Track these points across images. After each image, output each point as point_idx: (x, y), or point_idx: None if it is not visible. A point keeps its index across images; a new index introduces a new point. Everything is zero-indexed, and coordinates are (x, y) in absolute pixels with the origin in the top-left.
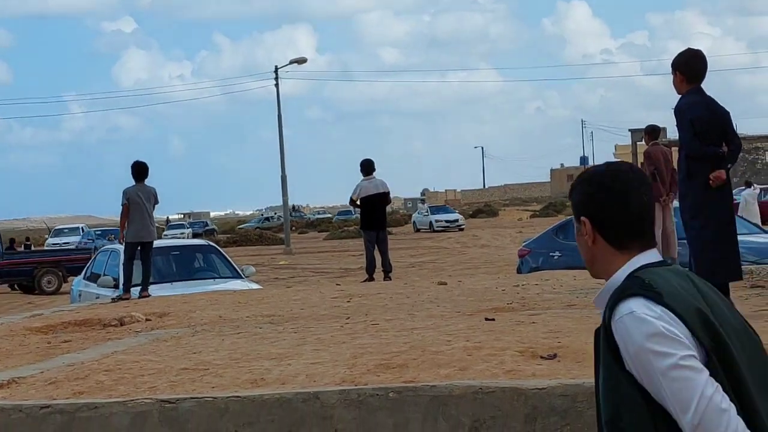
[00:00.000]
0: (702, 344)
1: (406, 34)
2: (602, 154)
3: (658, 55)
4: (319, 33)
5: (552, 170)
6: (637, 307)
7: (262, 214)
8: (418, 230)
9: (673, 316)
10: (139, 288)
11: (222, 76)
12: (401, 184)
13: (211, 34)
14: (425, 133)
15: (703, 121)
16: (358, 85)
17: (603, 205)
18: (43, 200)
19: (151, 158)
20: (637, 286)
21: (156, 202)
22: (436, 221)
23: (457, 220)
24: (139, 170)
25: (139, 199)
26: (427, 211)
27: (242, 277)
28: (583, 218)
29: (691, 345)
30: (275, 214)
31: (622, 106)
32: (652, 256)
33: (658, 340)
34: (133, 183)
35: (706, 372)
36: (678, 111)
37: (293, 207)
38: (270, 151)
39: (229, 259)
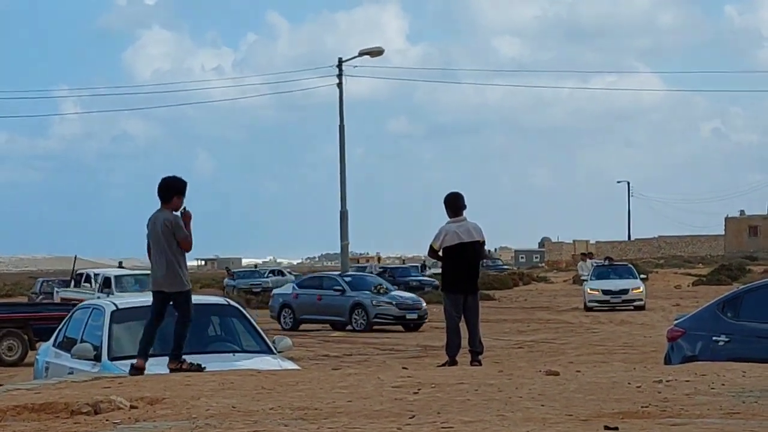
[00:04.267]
0: None
1: (535, 20)
2: None
3: None
4: (412, 15)
5: (728, 219)
6: None
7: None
8: (590, 309)
9: None
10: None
11: (275, 70)
12: (512, 231)
13: (263, 12)
14: (550, 158)
15: None
16: (464, 88)
17: None
18: (16, 234)
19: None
20: None
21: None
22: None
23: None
24: (165, 188)
25: (155, 229)
26: (591, 273)
27: (273, 352)
28: None
29: None
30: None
31: None
32: None
33: None
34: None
35: None
36: None
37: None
38: (333, 175)
39: (256, 325)
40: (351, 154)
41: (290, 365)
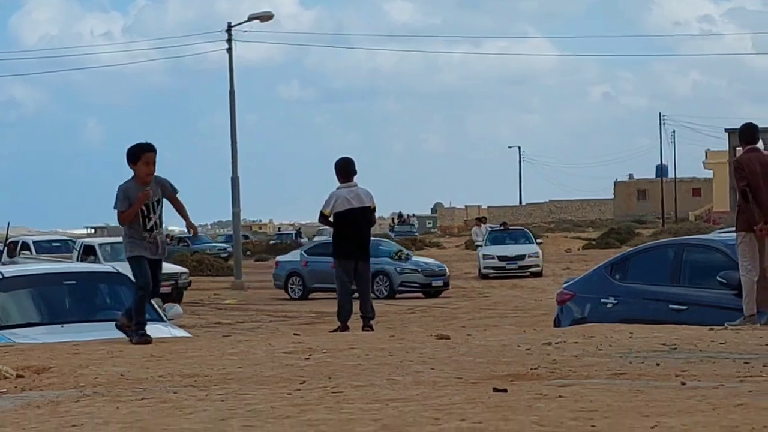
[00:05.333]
0: None
1: None
2: (688, 163)
3: None
4: None
5: (617, 183)
6: None
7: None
8: (485, 276)
9: None
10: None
11: (165, 36)
12: (405, 197)
13: None
14: (443, 124)
15: None
16: (356, 53)
17: None
18: None
19: (57, 148)
20: None
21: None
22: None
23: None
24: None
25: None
26: (485, 238)
27: (163, 320)
28: None
29: None
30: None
31: (721, 95)
32: None
33: None
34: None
35: None
36: None
37: (400, 216)
38: (224, 142)
39: None
40: (243, 120)
41: (181, 333)
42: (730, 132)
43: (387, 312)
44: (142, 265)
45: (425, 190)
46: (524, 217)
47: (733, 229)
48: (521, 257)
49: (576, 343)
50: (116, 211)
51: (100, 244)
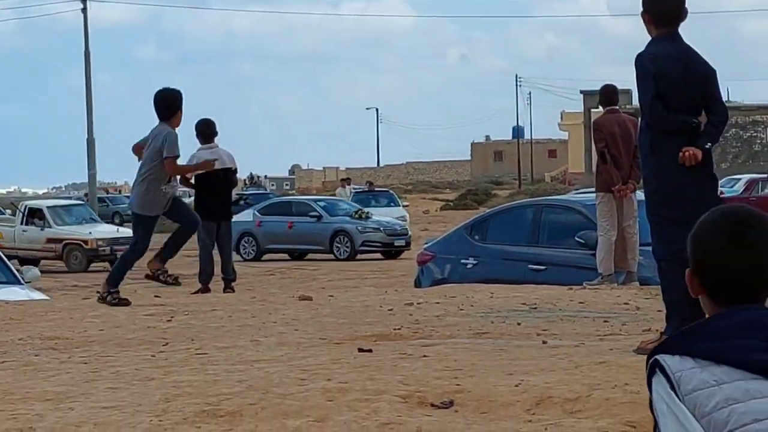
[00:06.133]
0: None
1: None
2: (543, 124)
3: None
4: None
5: (474, 144)
6: None
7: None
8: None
9: None
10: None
11: None
12: (262, 159)
13: None
14: (300, 86)
15: (672, 79)
16: (212, 14)
17: None
18: None
19: None
20: None
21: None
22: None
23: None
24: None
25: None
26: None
27: (21, 283)
28: None
29: None
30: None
31: (577, 57)
32: None
33: None
34: None
35: None
36: (638, 63)
37: (251, 178)
38: (81, 104)
39: (2, 256)
40: (100, 81)
41: (39, 296)
42: (586, 94)
43: (246, 274)
44: (151, 228)
45: (283, 152)
46: (382, 178)
47: (590, 190)
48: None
49: (437, 303)
50: (168, 157)
51: (49, 207)
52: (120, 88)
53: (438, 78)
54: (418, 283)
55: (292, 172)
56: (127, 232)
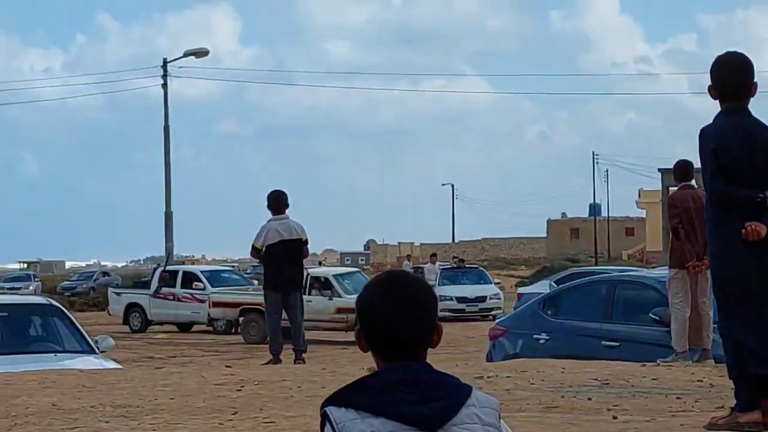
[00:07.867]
0: None
1: (367, 23)
2: (621, 202)
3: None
4: (245, 17)
5: (550, 221)
6: None
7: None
8: (441, 319)
9: None
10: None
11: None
12: (338, 234)
13: (93, 13)
14: (378, 161)
15: (735, 153)
16: (295, 90)
17: None
18: None
19: None
20: None
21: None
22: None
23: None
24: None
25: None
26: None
27: (96, 352)
28: None
29: None
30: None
31: (656, 135)
32: None
33: None
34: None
35: None
36: (700, 138)
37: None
38: (160, 177)
39: (79, 326)
40: (179, 155)
41: (113, 365)
42: (664, 171)
43: (318, 347)
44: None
45: (359, 227)
46: (457, 254)
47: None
48: (482, 299)
49: (508, 377)
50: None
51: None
52: (199, 161)
53: (515, 154)
54: (489, 358)
55: (367, 247)
56: None
